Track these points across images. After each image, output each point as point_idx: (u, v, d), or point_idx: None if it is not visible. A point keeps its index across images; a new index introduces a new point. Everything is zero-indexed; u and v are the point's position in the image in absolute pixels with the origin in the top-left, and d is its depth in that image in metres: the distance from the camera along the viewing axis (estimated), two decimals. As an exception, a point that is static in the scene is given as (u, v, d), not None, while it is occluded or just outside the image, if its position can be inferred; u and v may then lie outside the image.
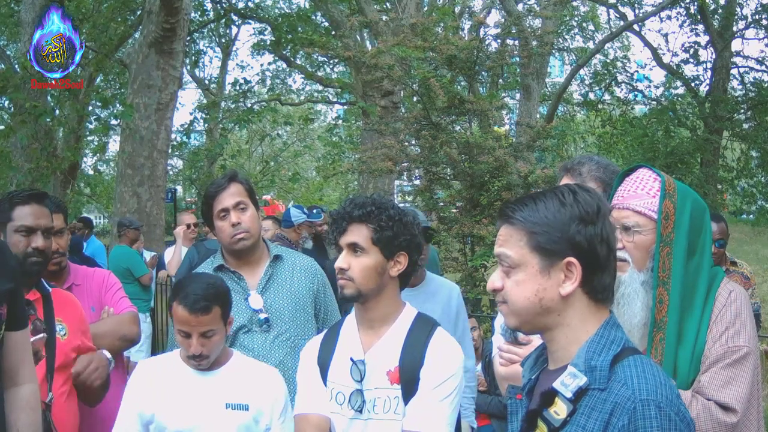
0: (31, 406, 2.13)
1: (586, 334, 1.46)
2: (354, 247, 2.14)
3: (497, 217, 1.56)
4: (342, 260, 2.15)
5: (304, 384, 2.24)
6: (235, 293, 2.77)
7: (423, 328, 2.18)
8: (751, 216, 18.64)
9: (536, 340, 1.94)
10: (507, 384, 2.23)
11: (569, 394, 1.41)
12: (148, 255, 8.15)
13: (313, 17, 15.66)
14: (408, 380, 2.10)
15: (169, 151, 12.26)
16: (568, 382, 1.42)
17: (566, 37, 21.05)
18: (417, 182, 9.98)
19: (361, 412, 2.12)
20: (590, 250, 1.45)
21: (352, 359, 2.15)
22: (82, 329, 2.70)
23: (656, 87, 21.50)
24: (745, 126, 18.79)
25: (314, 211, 6.02)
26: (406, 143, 9.21)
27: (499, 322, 2.42)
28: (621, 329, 1.50)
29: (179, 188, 27.44)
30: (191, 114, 31.22)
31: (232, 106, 20.56)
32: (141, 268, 7.24)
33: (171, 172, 23.75)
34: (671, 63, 19.86)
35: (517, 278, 1.48)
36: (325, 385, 2.19)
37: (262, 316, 2.77)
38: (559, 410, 1.42)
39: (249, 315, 2.77)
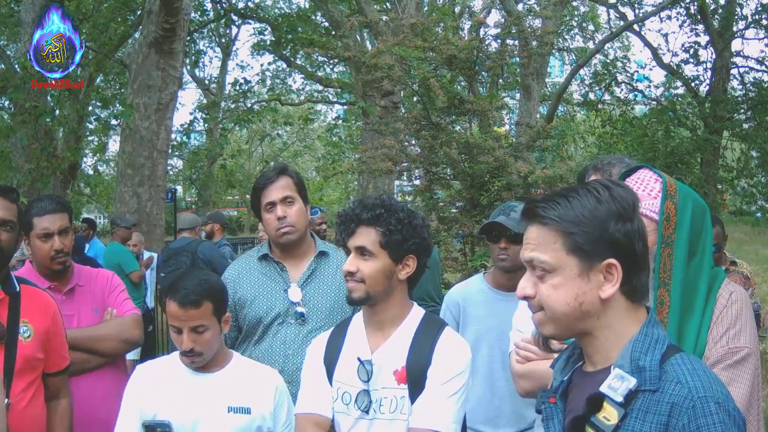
0: None
1: (627, 335, 1.39)
2: (362, 251, 2.12)
3: (522, 216, 1.44)
4: (350, 263, 2.13)
5: (307, 382, 2.23)
6: (276, 283, 2.81)
7: (430, 329, 2.16)
8: (758, 215, 18.56)
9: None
10: (522, 381, 2.22)
11: (620, 398, 1.33)
12: (148, 256, 8.14)
13: (313, 17, 15.67)
14: (415, 380, 2.09)
15: (169, 151, 12.25)
16: (617, 385, 1.34)
17: (566, 37, 21.06)
18: (417, 182, 9.96)
19: (367, 412, 2.12)
20: (630, 248, 1.38)
21: (359, 359, 2.14)
22: (50, 336, 2.52)
23: (656, 87, 21.56)
24: (745, 126, 18.81)
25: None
26: (406, 143, 9.19)
27: (517, 318, 2.39)
28: (661, 327, 1.44)
29: (179, 188, 27.46)
30: (191, 114, 31.27)
31: (232, 106, 20.60)
32: (131, 265, 7.19)
33: (171, 172, 23.77)
34: (671, 63, 19.89)
35: (554, 282, 1.39)
36: (331, 384, 2.18)
37: (299, 309, 2.78)
38: (610, 415, 1.34)
39: (286, 306, 2.78)
